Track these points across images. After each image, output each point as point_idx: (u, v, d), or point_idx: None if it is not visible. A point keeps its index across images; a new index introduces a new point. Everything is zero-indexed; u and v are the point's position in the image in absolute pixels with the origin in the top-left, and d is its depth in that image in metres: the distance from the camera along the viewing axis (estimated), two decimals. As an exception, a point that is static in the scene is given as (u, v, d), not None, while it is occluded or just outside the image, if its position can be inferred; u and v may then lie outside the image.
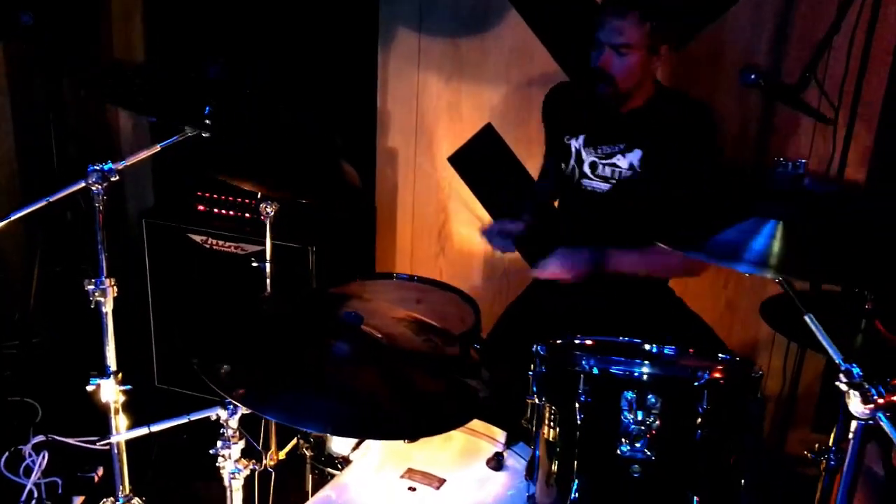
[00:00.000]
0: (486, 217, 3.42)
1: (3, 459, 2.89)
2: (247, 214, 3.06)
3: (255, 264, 2.68)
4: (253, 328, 1.92)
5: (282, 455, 2.40)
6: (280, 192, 2.46)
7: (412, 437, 1.73)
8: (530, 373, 1.67)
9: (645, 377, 1.49)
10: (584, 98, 2.42)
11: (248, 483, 1.95)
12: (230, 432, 1.88)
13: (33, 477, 2.78)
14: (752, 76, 2.23)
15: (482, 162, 3.37)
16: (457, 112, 3.34)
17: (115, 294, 2.03)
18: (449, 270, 3.52)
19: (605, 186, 2.40)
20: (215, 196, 3.10)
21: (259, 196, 2.59)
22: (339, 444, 2.27)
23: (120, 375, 2.07)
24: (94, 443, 2.91)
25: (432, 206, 3.50)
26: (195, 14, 3.37)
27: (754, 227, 1.46)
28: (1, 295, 3.73)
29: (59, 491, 2.78)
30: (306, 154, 2.70)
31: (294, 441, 2.37)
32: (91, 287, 1.99)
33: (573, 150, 2.42)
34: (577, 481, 1.51)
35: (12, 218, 1.90)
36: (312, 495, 2.71)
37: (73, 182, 1.93)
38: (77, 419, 3.11)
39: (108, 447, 2.15)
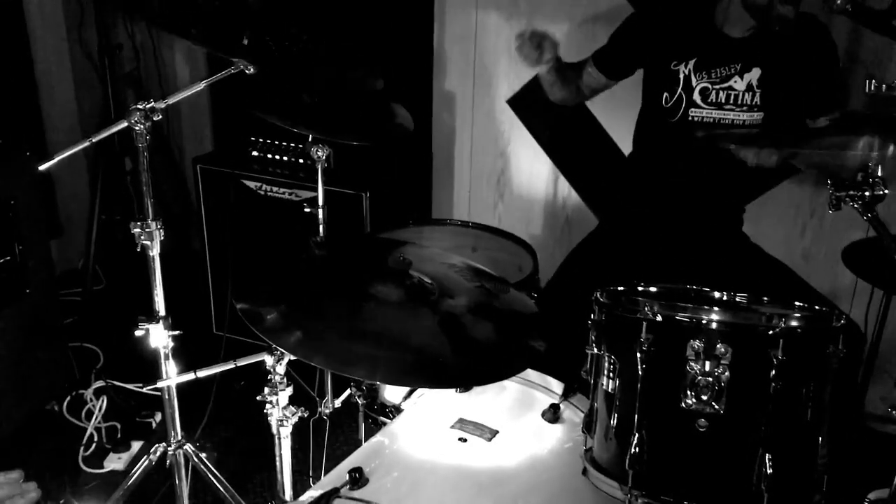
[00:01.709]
0: (547, 163, 3.30)
1: (65, 403, 2.92)
2: (300, 160, 3.00)
3: (307, 210, 2.62)
4: (302, 273, 1.86)
5: (337, 403, 2.35)
6: (328, 135, 2.38)
7: (462, 386, 1.65)
8: (589, 321, 1.56)
9: (714, 325, 1.36)
10: (699, 19, 2.26)
11: (302, 430, 1.90)
12: (277, 378, 1.83)
13: (94, 421, 2.81)
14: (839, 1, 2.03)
15: (543, 104, 3.22)
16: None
17: (162, 238, 1.98)
18: (508, 219, 3.40)
19: (716, 113, 2.25)
20: (269, 141, 3.04)
21: (310, 139, 2.52)
22: (391, 393, 2.22)
23: (169, 320, 2.04)
24: (141, 388, 2.92)
25: (491, 152, 3.38)
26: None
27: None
28: (64, 243, 3.78)
29: (118, 435, 2.80)
30: (354, 96, 2.62)
31: (348, 390, 2.32)
32: (137, 230, 1.94)
33: (681, 76, 2.24)
34: (636, 435, 1.40)
35: (56, 160, 1.86)
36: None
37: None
38: (137, 365, 3.13)
39: (159, 392, 2.13)
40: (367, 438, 2.61)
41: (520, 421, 1.78)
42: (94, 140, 1.88)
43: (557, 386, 1.89)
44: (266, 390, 1.84)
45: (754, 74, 2.21)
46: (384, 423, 2.19)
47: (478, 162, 3.42)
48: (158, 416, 2.88)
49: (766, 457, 1.35)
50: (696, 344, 1.36)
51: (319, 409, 2.40)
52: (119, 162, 3.68)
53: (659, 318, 1.39)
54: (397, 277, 1.73)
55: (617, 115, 3.08)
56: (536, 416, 1.80)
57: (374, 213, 2.87)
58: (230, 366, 1.84)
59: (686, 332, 1.38)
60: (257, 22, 1.94)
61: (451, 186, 3.49)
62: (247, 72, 1.91)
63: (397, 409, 2.07)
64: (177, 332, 2.05)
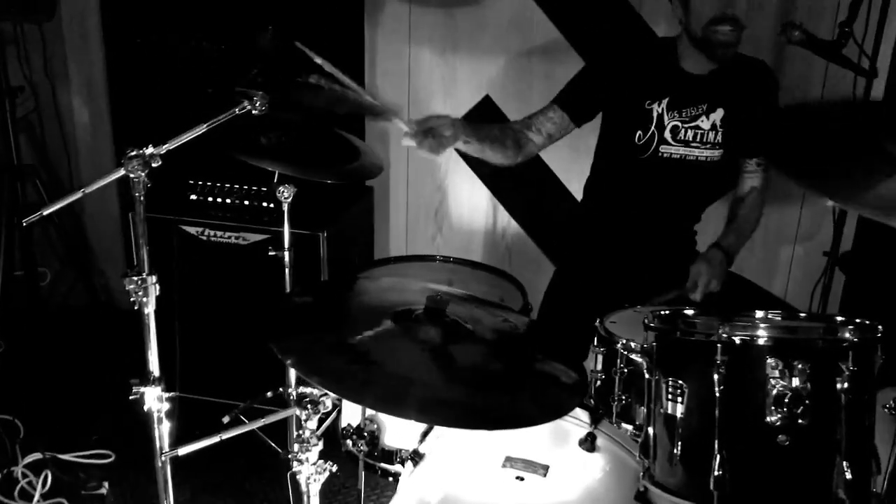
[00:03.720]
0: (486, 194, 3.33)
1: (-5, 483, 2.64)
2: (245, 202, 2.87)
3: (272, 253, 2.51)
4: (322, 319, 1.78)
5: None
6: (305, 173, 2.31)
7: (528, 424, 1.62)
8: (642, 345, 1.59)
9: (790, 341, 1.43)
10: (665, 60, 2.34)
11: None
12: (307, 434, 1.74)
13: (36, 499, 2.54)
14: (795, 33, 2.20)
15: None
16: (452, 86, 3.22)
17: (158, 293, 1.83)
18: (448, 250, 3.39)
19: (683, 150, 2.34)
20: (209, 184, 2.89)
21: (275, 179, 2.42)
22: (394, 438, 2.14)
23: (163, 382, 1.89)
24: (108, 457, 2.70)
25: (428, 186, 3.37)
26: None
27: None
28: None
29: (68, 512, 2.56)
30: (317, 133, 2.56)
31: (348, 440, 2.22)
32: (132, 286, 1.79)
33: (654, 115, 2.32)
34: (718, 457, 1.43)
35: (39, 214, 1.69)
36: (366, 493, 2.59)
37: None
38: (63, 433, 2.89)
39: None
40: (367, 487, 2.52)
41: (561, 452, 1.78)
42: (86, 191, 1.72)
43: (582, 413, 1.90)
44: (295, 447, 1.75)
45: (718, 114, 2.34)
46: (388, 471, 2.12)
47: (415, 195, 3.40)
48: (106, 485, 2.65)
49: (844, 464, 1.42)
50: (776, 361, 1.41)
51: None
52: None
53: (737, 339, 1.43)
54: (434, 317, 1.70)
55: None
56: (574, 446, 1.80)
57: (332, 253, 2.79)
58: (258, 424, 1.73)
59: (763, 350, 1.42)
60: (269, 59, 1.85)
61: (387, 220, 3.46)
62: (254, 111, 1.81)
63: (416, 455, 2.01)
64: (173, 395, 1.90)
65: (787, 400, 1.40)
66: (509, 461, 1.72)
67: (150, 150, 1.75)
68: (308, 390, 2.68)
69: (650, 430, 1.60)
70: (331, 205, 2.90)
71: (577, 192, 3.16)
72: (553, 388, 1.63)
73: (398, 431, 2.12)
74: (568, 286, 2.56)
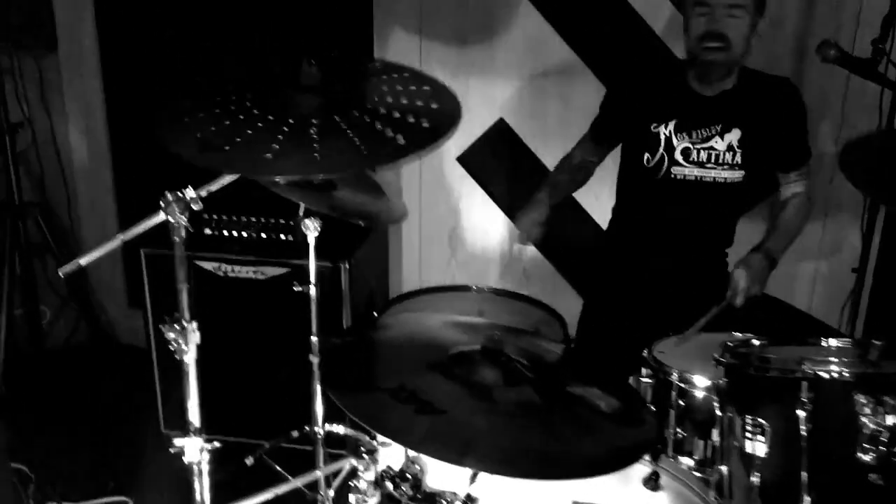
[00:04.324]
0: (500, 216, 3.27)
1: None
2: (262, 235, 2.79)
3: (297, 289, 2.44)
4: (371, 363, 1.72)
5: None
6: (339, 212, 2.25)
7: (608, 471, 1.56)
8: (717, 382, 1.54)
9: (876, 376, 1.39)
10: (674, 81, 2.33)
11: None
12: (364, 485, 1.67)
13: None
14: (831, 52, 2.18)
15: (495, 159, 3.21)
16: (465, 109, 3.13)
17: (198, 341, 1.76)
18: (463, 275, 3.34)
19: (698, 172, 2.31)
20: (225, 218, 2.80)
21: (301, 213, 2.35)
22: (436, 479, 2.07)
23: (204, 432, 1.81)
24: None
25: (441, 210, 3.31)
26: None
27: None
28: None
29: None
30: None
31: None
32: (173, 334, 1.71)
33: (662, 138, 2.30)
34: (807, 496, 1.38)
35: (82, 261, 1.61)
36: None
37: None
38: (73, 482, 2.78)
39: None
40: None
41: (628, 493, 1.71)
42: (125, 238, 1.64)
43: (640, 450, 1.84)
44: (352, 500, 1.68)
45: (735, 135, 2.31)
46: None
47: (428, 220, 3.34)
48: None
49: (936, 500, 1.37)
50: (864, 397, 1.37)
51: None
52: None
53: (822, 374, 1.38)
54: (491, 358, 1.64)
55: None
56: (637, 485, 1.74)
57: (354, 285, 2.71)
58: (315, 476, 1.66)
59: (850, 386, 1.38)
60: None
61: (400, 246, 3.39)
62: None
63: (470, 500, 1.93)
64: (215, 445, 1.82)
65: (876, 437, 1.35)
66: (577, 506, 1.65)
67: (190, 192, 1.68)
68: (340, 430, 2.61)
69: (723, 468, 1.55)
70: (349, 234, 2.83)
71: (596, 214, 3.15)
72: (623, 429, 1.57)
73: (441, 473, 2.05)
74: (601, 316, 2.51)
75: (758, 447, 1.47)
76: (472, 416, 1.50)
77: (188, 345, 1.74)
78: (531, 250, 3.28)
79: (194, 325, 1.74)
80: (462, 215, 3.31)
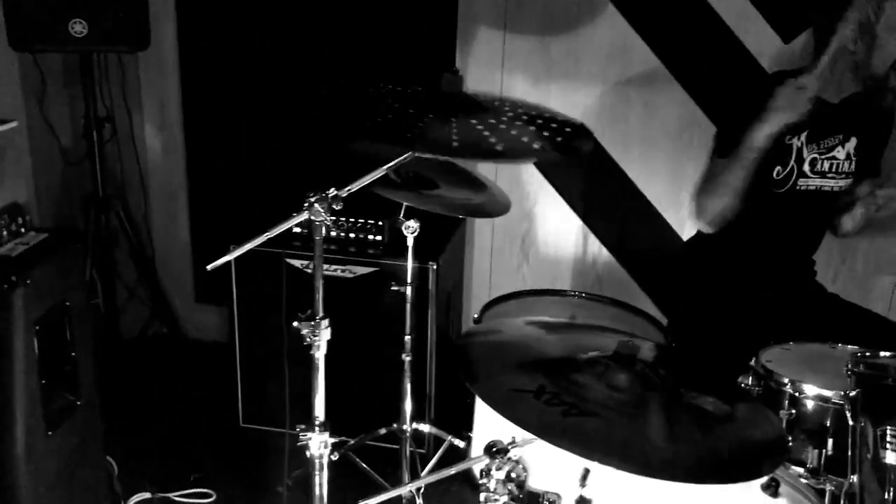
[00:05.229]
0: (575, 222, 3.30)
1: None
2: (351, 235, 2.83)
3: (395, 288, 2.49)
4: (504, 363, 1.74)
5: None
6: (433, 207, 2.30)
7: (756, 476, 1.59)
8: (848, 392, 1.56)
9: None
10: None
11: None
12: (493, 484, 1.70)
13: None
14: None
15: (573, 165, 3.24)
16: (545, 114, 3.19)
17: (329, 337, 1.80)
18: (534, 280, 3.37)
19: (819, 182, 2.32)
20: (314, 216, 2.84)
21: (401, 213, 2.40)
22: (540, 480, 2.09)
23: (328, 427, 1.85)
24: (210, 496, 2.64)
25: (515, 214, 3.34)
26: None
27: None
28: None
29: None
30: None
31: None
32: (307, 330, 1.76)
33: (794, 149, 2.29)
34: (954, 507, 1.41)
35: (229, 257, 1.65)
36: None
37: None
38: (158, 471, 2.82)
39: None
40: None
41: (745, 499, 1.74)
42: (270, 235, 1.69)
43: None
44: (482, 497, 1.71)
45: (852, 143, 2.33)
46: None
47: (501, 224, 3.37)
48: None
49: None
50: None
51: None
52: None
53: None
54: (625, 364, 1.67)
55: (653, 177, 3.15)
56: (756, 490, 1.76)
57: (441, 285, 2.75)
58: (449, 471, 1.69)
59: None
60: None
61: (472, 251, 3.42)
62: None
63: (583, 501, 1.95)
64: (337, 439, 1.86)
65: None
66: (703, 509, 1.68)
67: (332, 192, 1.72)
68: (426, 428, 2.64)
69: (854, 478, 1.57)
70: (435, 234, 2.86)
71: (673, 221, 3.17)
72: (756, 434, 1.60)
73: (544, 473, 2.08)
74: (696, 324, 2.52)
75: (893, 456, 1.49)
76: (622, 419, 1.53)
77: (321, 340, 1.78)
78: (605, 257, 3.31)
79: (326, 321, 1.78)
80: (536, 220, 3.34)
